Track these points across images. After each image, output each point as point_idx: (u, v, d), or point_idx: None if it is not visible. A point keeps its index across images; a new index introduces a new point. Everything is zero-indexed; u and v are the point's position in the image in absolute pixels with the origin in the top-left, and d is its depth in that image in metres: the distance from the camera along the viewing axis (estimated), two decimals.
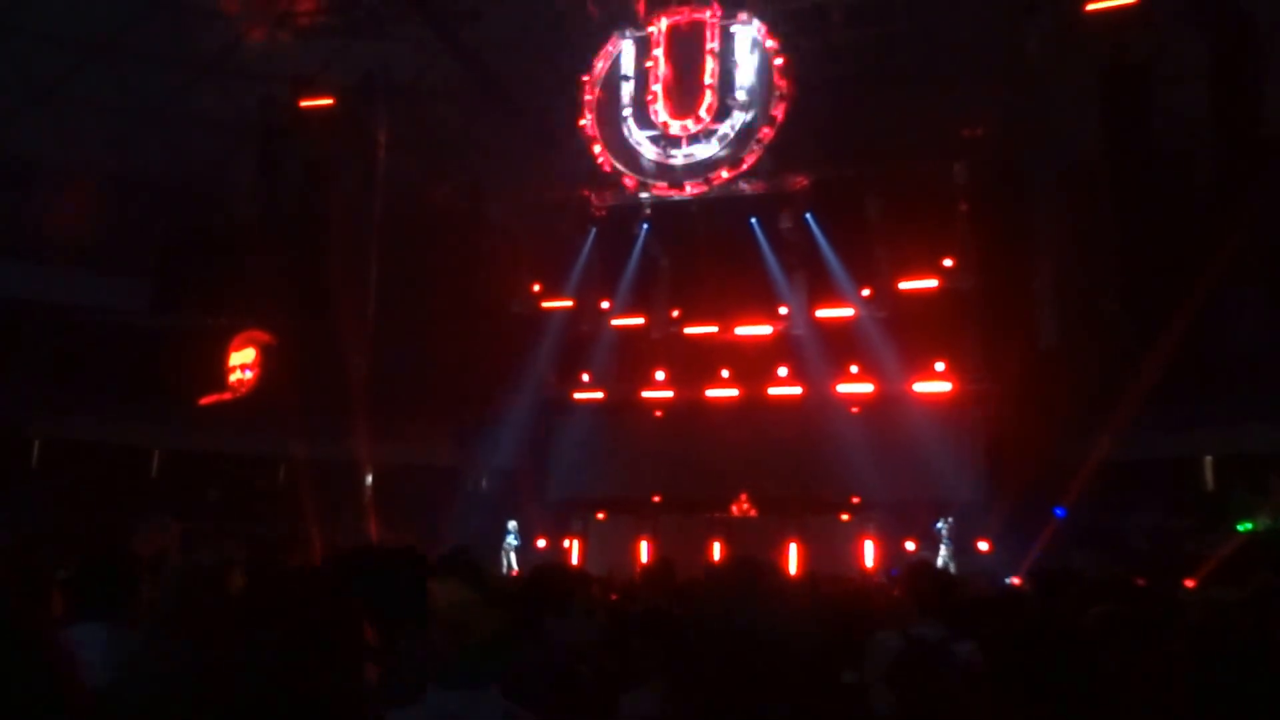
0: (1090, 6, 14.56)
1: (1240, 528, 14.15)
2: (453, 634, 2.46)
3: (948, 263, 15.18)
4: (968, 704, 2.28)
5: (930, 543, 14.77)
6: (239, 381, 16.58)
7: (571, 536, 15.78)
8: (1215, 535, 13.75)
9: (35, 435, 15.20)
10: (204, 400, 16.42)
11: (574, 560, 15.40)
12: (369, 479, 16.37)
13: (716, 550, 14.46)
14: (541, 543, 15.72)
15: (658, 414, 16.25)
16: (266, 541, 13.64)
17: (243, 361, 16.60)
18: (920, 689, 3.18)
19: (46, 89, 15.44)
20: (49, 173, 16.12)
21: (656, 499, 15.77)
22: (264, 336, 16.55)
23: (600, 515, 15.96)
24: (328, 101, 16.15)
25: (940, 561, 14.61)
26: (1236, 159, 15.04)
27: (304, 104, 16.16)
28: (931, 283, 15.28)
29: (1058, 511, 14.49)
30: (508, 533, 15.70)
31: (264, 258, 15.85)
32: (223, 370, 16.60)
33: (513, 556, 15.32)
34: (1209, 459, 15.22)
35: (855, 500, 15.20)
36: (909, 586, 4.98)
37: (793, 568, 14.27)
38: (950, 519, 14.71)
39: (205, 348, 16.40)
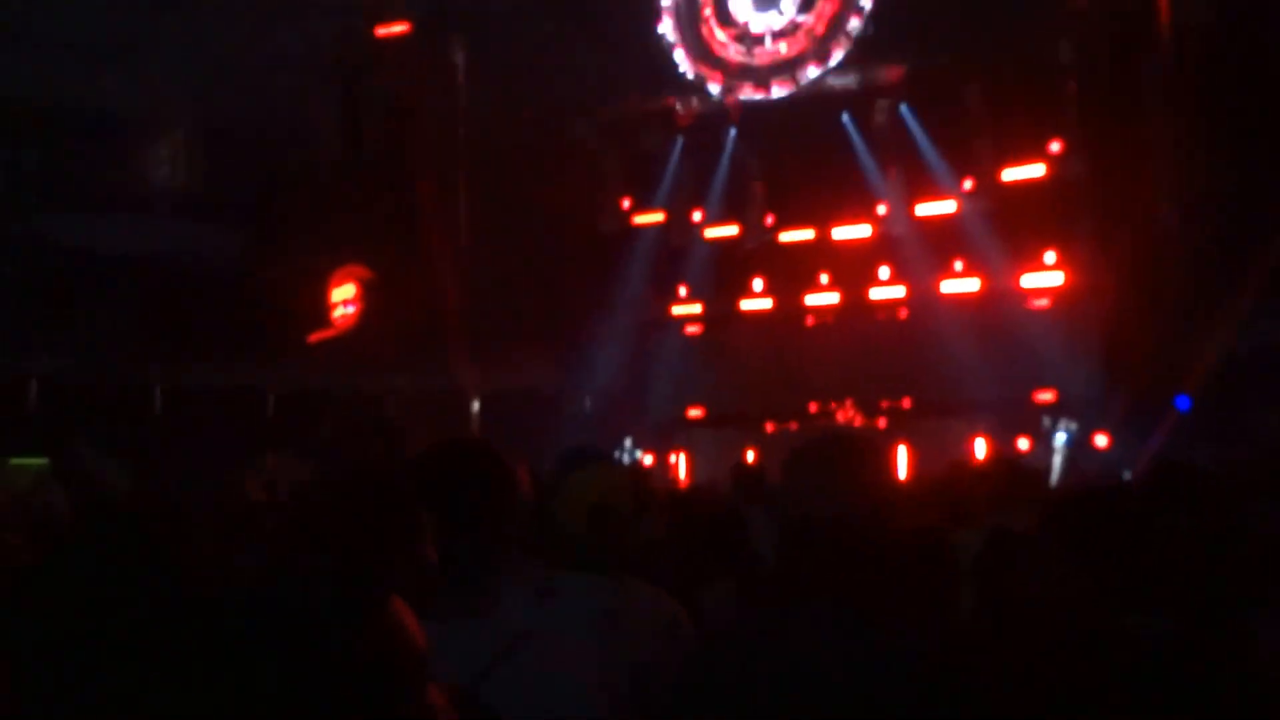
0: None
1: None
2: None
3: (1055, 148, 14.43)
4: (1047, 593, 2.19)
5: (1044, 441, 14.42)
6: (343, 317, 16.92)
7: (676, 451, 15.83)
8: None
9: (154, 383, 15.79)
10: (311, 338, 16.79)
11: (680, 475, 15.49)
12: (474, 407, 16.65)
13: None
14: (648, 459, 15.81)
15: (757, 324, 16.02)
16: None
17: (345, 297, 16.90)
18: (997, 579, 3.09)
19: (124, 43, 15.61)
20: (135, 126, 16.41)
21: (760, 411, 15.66)
22: (363, 271, 16.79)
23: (704, 430, 15.95)
24: (403, 28, 16.00)
25: (1057, 459, 14.29)
26: None
27: (380, 32, 16.04)
28: (1038, 170, 14.59)
29: (1180, 403, 13.95)
30: (624, 450, 15.82)
31: (354, 194, 15.97)
32: (326, 308, 16.91)
33: None
34: None
35: (965, 401, 14.82)
36: (994, 480, 4.86)
37: (902, 472, 14.08)
38: (1066, 417, 14.31)
39: (307, 287, 16.70)
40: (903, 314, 15.38)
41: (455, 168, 16.15)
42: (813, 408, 15.49)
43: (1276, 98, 13.61)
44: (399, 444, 15.40)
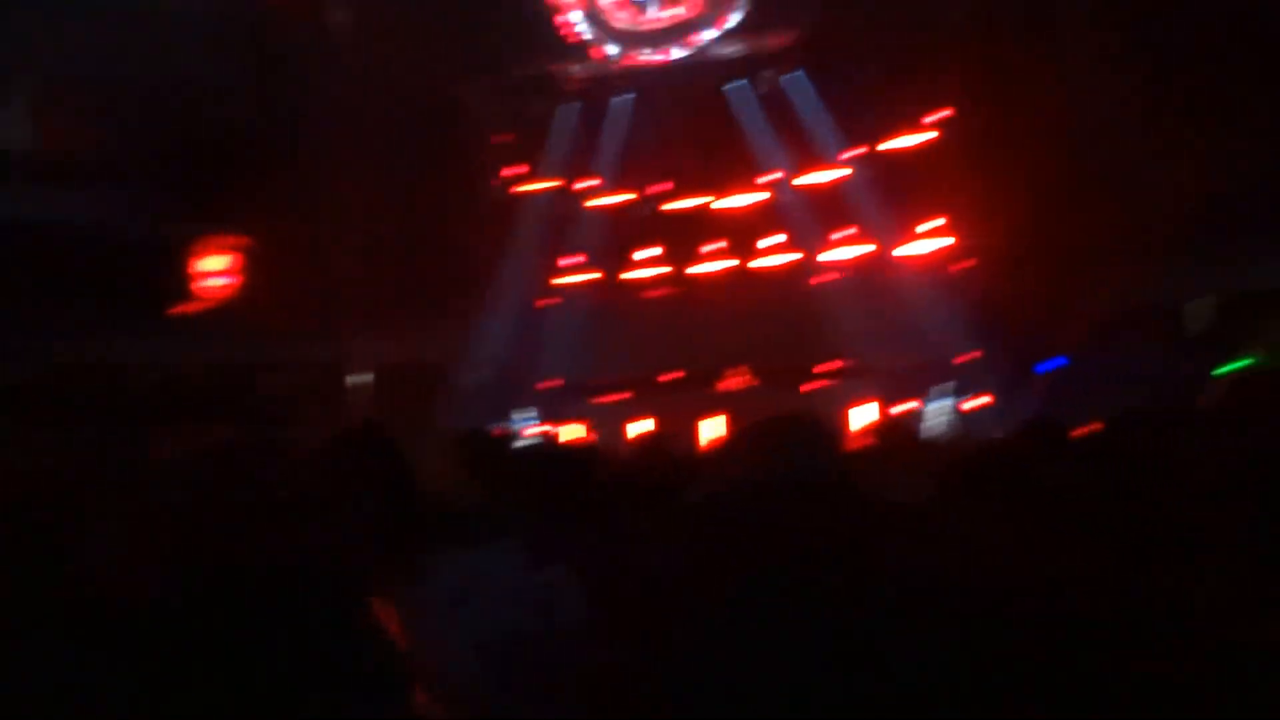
0: None
1: (1234, 365, 14.07)
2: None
3: (944, 114, 14.66)
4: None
5: (929, 402, 14.78)
6: (220, 287, 16.26)
7: (569, 421, 15.74)
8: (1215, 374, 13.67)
9: (17, 357, 14.98)
10: (185, 308, 16.15)
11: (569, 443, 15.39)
12: (365, 379, 16.29)
13: (723, 422, 14.39)
14: (546, 428, 15.70)
15: (649, 292, 15.98)
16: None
17: (221, 266, 16.24)
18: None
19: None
20: (30, 85, 15.46)
21: (655, 378, 15.67)
22: (243, 240, 16.15)
23: (598, 398, 15.88)
24: None
25: (937, 421, 14.66)
26: None
27: None
28: (927, 136, 14.80)
29: (1056, 362, 14.45)
30: (521, 419, 15.67)
31: (251, 160, 15.31)
32: (203, 276, 16.27)
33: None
34: (1210, 299, 15.06)
35: (854, 366, 15.08)
36: (882, 442, 4.93)
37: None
38: (952, 379, 14.67)
39: (182, 255, 16.04)
40: (793, 281, 15.51)
41: (347, 132, 15.65)
42: (707, 374, 15.55)
43: (1164, 73, 14.10)
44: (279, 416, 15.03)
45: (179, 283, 16.23)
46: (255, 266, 16.23)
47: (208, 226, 16.02)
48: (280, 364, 16.32)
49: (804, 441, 2.05)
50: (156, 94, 15.38)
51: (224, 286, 16.28)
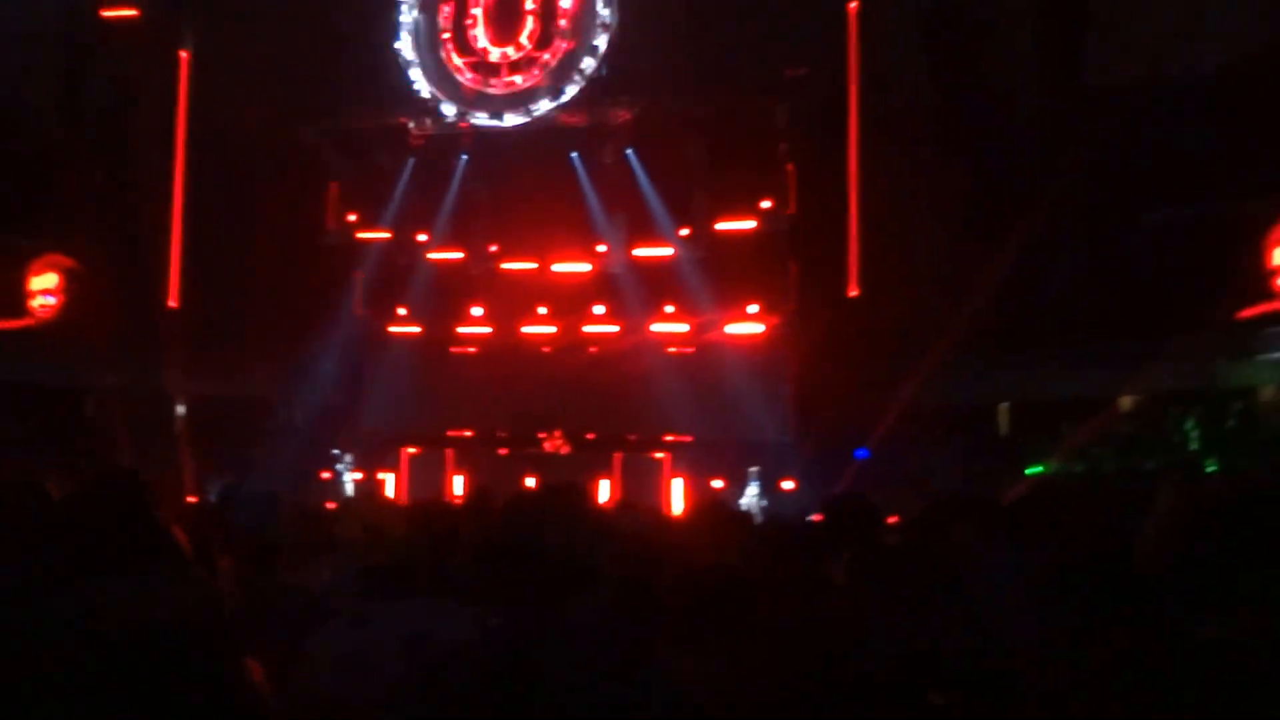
0: None
1: (1030, 471, 14.68)
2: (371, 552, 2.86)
3: (766, 204, 15.21)
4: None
5: (738, 482, 15.06)
6: (42, 307, 15.97)
7: (386, 470, 15.74)
8: (1011, 479, 14.23)
9: None
10: (1, 325, 15.80)
11: (388, 494, 15.37)
12: (179, 410, 16.07)
13: (531, 485, 14.52)
14: (358, 476, 15.66)
15: (473, 350, 16.16)
16: (75, 472, 13.29)
17: (45, 286, 15.98)
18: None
19: None
20: None
21: (472, 434, 15.78)
22: (67, 261, 15.93)
23: (415, 450, 15.91)
24: (131, 12, 15.35)
25: (749, 500, 14.95)
26: (1055, 105, 15.29)
27: (106, 14, 15.34)
28: (750, 224, 15.32)
29: (859, 453, 14.89)
30: (342, 465, 15.60)
31: (67, 178, 15.13)
32: (23, 294, 15.95)
33: (349, 489, 15.24)
34: (1006, 405, 15.71)
35: (668, 439, 15.36)
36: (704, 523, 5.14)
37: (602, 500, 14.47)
38: (759, 460, 15.01)
39: (4, 272, 15.72)
40: (615, 350, 15.81)
41: (177, 161, 15.58)
42: (524, 435, 15.70)
43: (971, 173, 14.84)
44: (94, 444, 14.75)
45: (3, 298, 15.93)
46: (78, 290, 16.00)
47: (26, 246, 15.78)
48: (96, 390, 16.04)
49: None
50: None
51: (44, 307, 15.99)
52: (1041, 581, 2.60)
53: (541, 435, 15.57)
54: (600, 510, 6.65)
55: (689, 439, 15.36)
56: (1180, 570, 2.16)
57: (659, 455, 15.54)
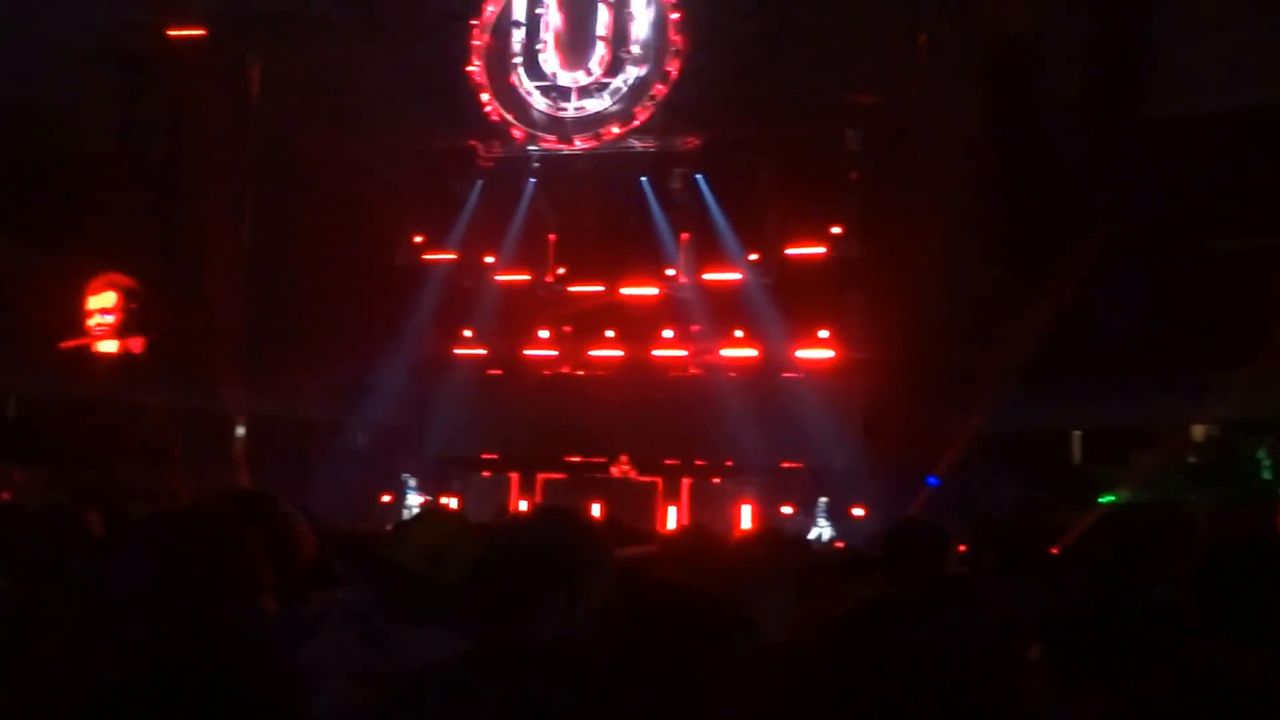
0: None
1: (1102, 500, 14.69)
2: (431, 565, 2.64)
3: (836, 230, 15.24)
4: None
5: (807, 508, 15.01)
6: (99, 326, 15.77)
7: (450, 494, 15.58)
8: (1079, 507, 14.23)
9: None
10: (63, 345, 15.59)
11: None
12: (239, 430, 15.89)
13: (596, 511, 14.41)
14: (421, 499, 15.49)
15: (540, 373, 16.05)
16: (127, 491, 13.09)
17: (103, 305, 15.79)
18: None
19: None
20: None
21: (537, 458, 15.65)
22: (125, 280, 15.76)
23: (479, 473, 15.78)
24: (198, 31, 15.29)
25: (817, 528, 14.91)
26: (1113, 137, 15.45)
27: (172, 33, 15.27)
28: (819, 250, 15.35)
29: (930, 480, 14.87)
30: (405, 489, 15.43)
31: (122, 195, 15.00)
32: (81, 314, 15.76)
33: (410, 512, 15.08)
34: (1076, 433, 15.75)
35: (735, 465, 15.30)
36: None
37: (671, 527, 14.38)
38: (828, 486, 14.98)
39: (61, 289, 15.52)
40: (682, 375, 15.75)
41: (241, 180, 15.47)
42: (590, 460, 15.60)
43: (1033, 200, 14.95)
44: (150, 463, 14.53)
45: (48, 315, 15.70)
46: (136, 308, 15.82)
47: (89, 263, 15.60)
48: (155, 408, 15.83)
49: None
50: (15, 118, 15.04)
51: (101, 326, 15.79)
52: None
53: (607, 459, 15.49)
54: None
55: (758, 465, 15.29)
56: (1208, 602, 2.15)
57: (725, 481, 15.47)
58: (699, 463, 15.57)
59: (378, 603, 2.64)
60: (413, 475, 15.60)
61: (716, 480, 15.50)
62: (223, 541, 1.91)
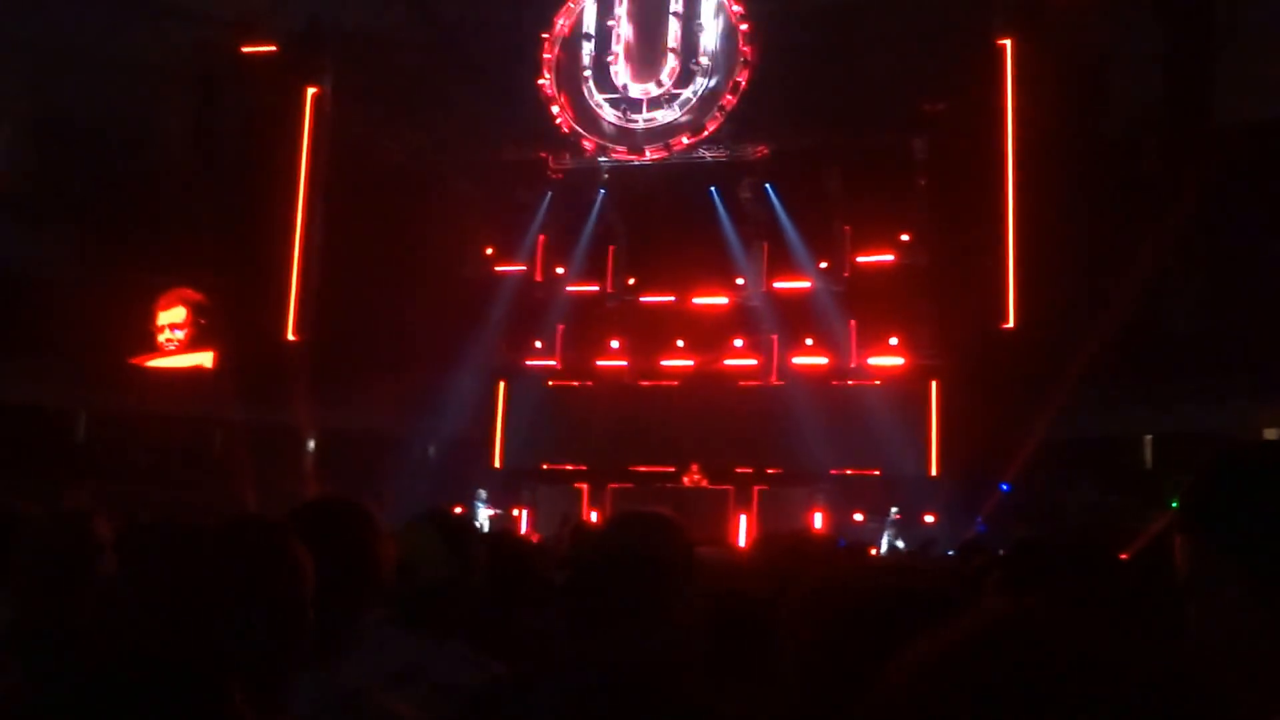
0: None
1: (1174, 504, 14.59)
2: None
3: (905, 238, 15.31)
4: None
5: (878, 516, 15.00)
6: (169, 341, 15.86)
7: (520, 506, 15.60)
8: (1151, 511, 14.19)
9: None
10: (134, 360, 15.67)
11: (522, 529, 15.22)
12: (310, 445, 15.91)
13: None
14: (491, 511, 15.49)
15: (612, 382, 16.07)
16: (196, 507, 13.13)
17: (172, 321, 15.92)
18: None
19: None
20: None
21: (607, 469, 15.66)
22: (195, 295, 15.86)
23: (550, 484, 15.78)
24: (271, 48, 15.43)
25: (886, 534, 14.88)
26: (1184, 146, 15.49)
27: (245, 50, 15.41)
28: (888, 258, 15.41)
29: (1002, 487, 14.86)
30: (477, 501, 15.42)
31: (198, 210, 15.11)
32: (152, 329, 15.83)
33: (485, 525, 15.08)
34: (1147, 438, 15.73)
35: (806, 472, 15.31)
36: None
37: (742, 538, 14.37)
38: (899, 493, 14.97)
39: (134, 304, 15.62)
40: (753, 383, 15.78)
41: (313, 194, 15.57)
42: (661, 469, 15.60)
43: (1104, 209, 14.99)
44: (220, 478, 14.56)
45: (120, 330, 15.78)
46: (206, 323, 15.90)
47: (160, 277, 15.69)
48: (220, 421, 15.89)
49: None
50: (97, 134, 15.16)
51: (171, 341, 15.87)
52: None
53: (679, 468, 15.50)
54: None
55: (828, 473, 15.30)
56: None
57: (797, 489, 15.46)
58: (770, 471, 15.59)
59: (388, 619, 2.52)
60: (483, 487, 15.60)
61: (787, 488, 15.48)
62: (238, 555, 1.82)
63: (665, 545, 2.25)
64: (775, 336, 15.70)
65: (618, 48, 15.33)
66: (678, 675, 2.09)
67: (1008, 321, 14.50)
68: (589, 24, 15.41)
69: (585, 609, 2.14)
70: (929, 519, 14.99)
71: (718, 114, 15.19)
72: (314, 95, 15.59)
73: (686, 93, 15.21)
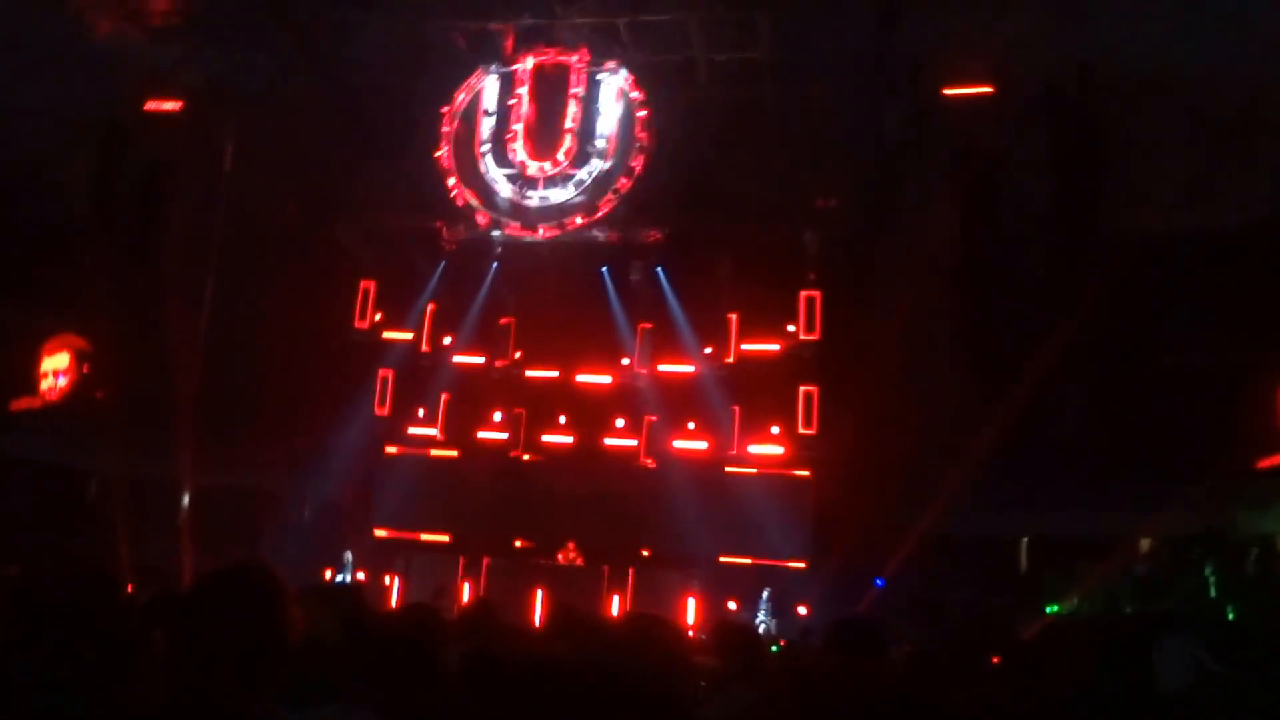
0: (947, 91, 15.06)
1: (1048, 609, 14.60)
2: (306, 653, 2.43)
3: (791, 328, 15.40)
4: None
5: (751, 604, 14.87)
6: (51, 388, 15.75)
7: (392, 574, 15.41)
8: (1027, 614, 14.12)
9: None
10: (14, 405, 15.53)
11: (392, 599, 15.02)
12: (185, 498, 15.73)
13: (539, 598, 14.27)
14: (360, 576, 15.30)
15: (493, 455, 16.00)
16: (67, 554, 12.91)
17: (56, 367, 15.81)
18: None
19: None
20: None
21: (484, 543, 15.53)
22: (80, 342, 15.80)
23: (424, 553, 15.62)
24: (175, 105, 15.58)
25: (760, 623, 14.73)
26: (1071, 250, 15.75)
27: (149, 105, 15.56)
28: (774, 347, 15.49)
29: (877, 581, 14.79)
30: (344, 566, 15.23)
31: (92, 260, 15.12)
32: (34, 375, 15.73)
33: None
34: (1024, 540, 15.72)
35: (681, 557, 15.20)
36: (720, 646, 4.94)
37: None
38: (773, 583, 14.87)
39: (16, 349, 15.53)
40: (633, 464, 15.75)
41: (207, 250, 15.62)
42: (536, 544, 15.48)
43: (990, 310, 15.17)
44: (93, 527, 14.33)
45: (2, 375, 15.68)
46: (92, 370, 15.82)
47: (39, 322, 15.64)
48: (96, 471, 15.70)
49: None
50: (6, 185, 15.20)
51: (54, 388, 15.77)
52: None
53: (554, 546, 15.38)
54: None
55: (704, 558, 15.19)
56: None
57: (671, 573, 15.35)
58: (645, 553, 15.49)
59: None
60: (354, 552, 15.42)
61: (663, 571, 15.36)
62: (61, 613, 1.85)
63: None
64: (655, 418, 15.70)
65: (517, 125, 15.56)
66: None
67: (888, 417, 14.54)
68: (489, 101, 15.66)
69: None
70: (802, 611, 14.89)
71: (612, 196, 15.38)
72: (214, 153, 15.72)
73: (581, 173, 15.40)
